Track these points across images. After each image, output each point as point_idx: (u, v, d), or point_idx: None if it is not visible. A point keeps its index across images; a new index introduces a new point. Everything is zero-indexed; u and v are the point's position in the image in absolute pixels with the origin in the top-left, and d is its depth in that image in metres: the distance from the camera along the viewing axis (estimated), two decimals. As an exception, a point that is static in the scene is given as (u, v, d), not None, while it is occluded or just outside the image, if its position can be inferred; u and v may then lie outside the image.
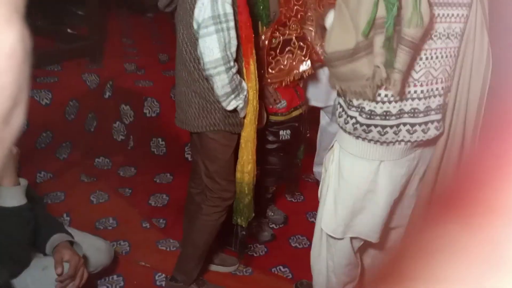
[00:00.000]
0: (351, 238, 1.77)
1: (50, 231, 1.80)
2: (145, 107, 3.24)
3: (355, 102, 1.52)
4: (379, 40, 1.33)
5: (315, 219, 1.94)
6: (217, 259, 2.43)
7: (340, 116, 1.61)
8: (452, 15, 1.46)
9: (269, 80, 2.19)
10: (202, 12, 1.71)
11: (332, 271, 1.87)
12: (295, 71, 2.21)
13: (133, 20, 4.61)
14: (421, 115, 1.52)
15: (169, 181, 3.16)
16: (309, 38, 2.25)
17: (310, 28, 2.26)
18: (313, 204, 2.01)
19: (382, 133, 1.51)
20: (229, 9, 1.71)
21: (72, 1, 3.94)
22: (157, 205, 2.92)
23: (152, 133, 3.26)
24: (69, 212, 2.70)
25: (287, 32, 2.16)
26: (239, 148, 2.00)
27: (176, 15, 1.90)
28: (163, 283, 2.28)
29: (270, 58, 2.17)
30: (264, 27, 2.15)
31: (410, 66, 1.43)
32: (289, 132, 2.32)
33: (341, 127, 1.61)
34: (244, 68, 1.87)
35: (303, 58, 2.19)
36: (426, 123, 1.53)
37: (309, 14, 2.22)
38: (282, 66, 2.20)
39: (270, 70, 2.19)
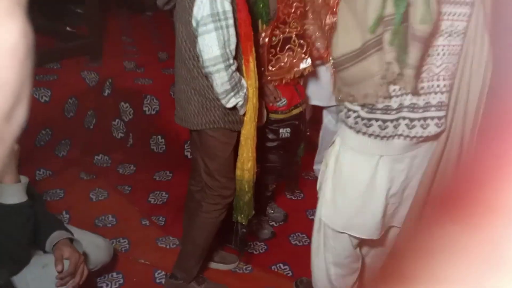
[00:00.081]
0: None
1: (50, 228, 1.80)
2: (144, 105, 3.23)
3: None
4: (388, 37, 1.34)
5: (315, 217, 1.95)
6: (217, 256, 2.43)
7: (341, 110, 1.62)
8: (455, 13, 1.46)
9: (269, 78, 2.19)
10: (201, 10, 1.70)
11: (331, 263, 1.87)
12: (295, 69, 2.20)
13: (133, 19, 4.60)
14: (420, 110, 1.53)
15: (168, 179, 3.16)
16: (309, 34, 2.25)
17: (311, 22, 2.26)
18: (313, 201, 2.02)
19: (383, 127, 1.53)
20: (228, 7, 1.71)
21: (72, 0, 3.94)
22: (156, 202, 2.92)
23: (151, 131, 3.26)
24: (68, 209, 2.71)
25: (287, 30, 2.16)
26: (239, 146, 2.00)
27: (175, 13, 1.89)
28: (163, 281, 2.29)
29: (270, 55, 2.17)
30: (264, 25, 2.14)
31: None
32: (289, 130, 2.32)
33: (343, 121, 1.63)
34: (243, 66, 1.87)
35: (303, 56, 2.19)
36: (425, 119, 1.54)
37: (307, 8, 2.22)
38: (282, 64, 2.19)
39: (270, 68, 2.18)
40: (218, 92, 1.79)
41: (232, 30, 1.74)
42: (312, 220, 2.02)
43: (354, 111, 1.55)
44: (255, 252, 2.58)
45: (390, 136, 1.55)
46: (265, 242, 2.65)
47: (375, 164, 1.61)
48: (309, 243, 1.99)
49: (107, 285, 2.26)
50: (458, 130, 1.60)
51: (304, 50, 2.19)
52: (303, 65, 2.20)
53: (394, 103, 1.50)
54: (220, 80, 1.75)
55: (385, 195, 1.65)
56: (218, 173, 1.99)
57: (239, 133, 1.97)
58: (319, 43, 2.27)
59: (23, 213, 1.67)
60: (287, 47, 2.17)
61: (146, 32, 4.34)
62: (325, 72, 2.46)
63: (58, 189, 2.87)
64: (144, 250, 2.49)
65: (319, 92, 2.52)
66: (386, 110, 1.51)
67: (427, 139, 1.60)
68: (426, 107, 1.53)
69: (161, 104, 3.23)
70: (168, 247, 2.54)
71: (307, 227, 2.51)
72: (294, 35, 2.17)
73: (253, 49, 1.88)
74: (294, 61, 2.19)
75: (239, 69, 1.83)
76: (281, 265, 2.51)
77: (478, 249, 0.40)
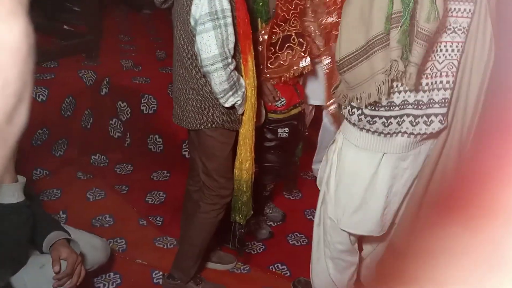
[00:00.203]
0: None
1: (47, 228, 1.79)
2: (142, 104, 3.22)
3: None
4: (395, 35, 1.35)
5: (313, 217, 1.96)
6: (215, 256, 2.42)
7: (345, 107, 1.62)
8: (460, 9, 1.46)
9: (268, 76, 2.19)
10: (199, 8, 1.69)
11: (329, 257, 1.89)
12: (294, 67, 2.19)
13: (130, 17, 4.59)
14: (424, 107, 1.53)
15: (166, 179, 3.15)
16: (309, 31, 2.25)
17: (310, 20, 2.26)
18: (311, 201, 2.02)
19: (386, 124, 1.53)
20: (226, 5, 1.70)
21: (69, -2, 3.92)
22: (154, 202, 2.91)
23: (149, 130, 3.25)
24: (65, 209, 2.69)
25: (287, 28, 2.15)
26: (237, 146, 1.99)
27: (173, 12, 1.88)
28: (160, 281, 2.28)
29: (270, 53, 2.16)
30: (264, 24, 2.14)
31: None
32: (288, 130, 2.31)
33: (346, 118, 1.63)
34: (242, 65, 1.86)
35: (302, 54, 2.19)
36: (428, 115, 1.54)
37: (307, 6, 2.22)
38: (281, 62, 2.19)
39: (269, 65, 2.18)
40: (217, 92, 1.78)
41: (230, 29, 1.73)
42: (310, 220, 2.03)
43: (358, 109, 1.56)
44: (253, 252, 2.58)
45: (393, 133, 1.56)
46: (263, 242, 2.64)
47: (378, 161, 1.62)
48: (307, 243, 1.99)
49: (104, 285, 2.25)
50: (458, 126, 1.61)
51: (303, 49, 2.18)
52: (302, 64, 2.20)
53: (397, 99, 1.51)
54: (219, 79, 1.74)
55: (386, 193, 1.66)
56: (216, 173, 1.99)
57: (237, 132, 1.97)
58: (318, 41, 2.27)
59: (21, 212, 1.66)
60: (286, 45, 2.17)
61: (144, 30, 4.33)
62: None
63: (55, 189, 2.86)
64: (142, 250, 2.49)
65: (318, 92, 2.51)
66: (390, 107, 1.51)
67: (430, 136, 1.60)
68: (430, 103, 1.54)
69: (158, 104, 3.22)
70: (165, 247, 2.53)
71: (305, 227, 2.52)
72: (294, 34, 2.16)
73: (252, 48, 1.87)
74: (294, 59, 2.19)
75: (237, 68, 1.82)
76: (279, 265, 2.51)
77: (479, 250, 0.39)
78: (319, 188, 1.88)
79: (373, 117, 1.54)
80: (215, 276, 2.36)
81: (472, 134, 1.62)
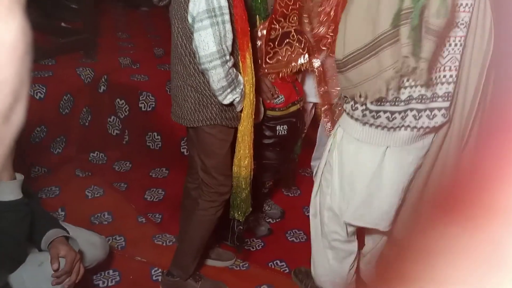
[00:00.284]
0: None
1: (45, 226, 1.79)
2: (140, 102, 3.22)
3: None
4: (405, 31, 1.34)
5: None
6: (214, 253, 2.43)
7: (347, 102, 1.62)
8: (461, 4, 1.47)
9: (266, 71, 2.18)
10: (196, 5, 1.69)
11: (328, 247, 1.90)
12: (293, 64, 2.19)
13: (128, 14, 4.58)
14: (428, 101, 1.54)
15: (164, 176, 3.15)
16: (305, 28, 2.24)
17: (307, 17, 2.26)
18: (310, 198, 2.02)
19: (391, 118, 1.54)
20: (224, 2, 1.69)
21: (66, -5, 3.91)
22: (152, 199, 2.91)
23: (147, 128, 3.24)
24: (64, 207, 2.69)
25: (286, 25, 2.15)
26: (236, 143, 1.99)
27: (170, 9, 1.88)
28: (160, 278, 2.28)
29: (269, 48, 2.16)
30: (262, 21, 2.13)
31: None
32: (286, 127, 2.31)
33: (348, 113, 1.63)
34: (240, 62, 1.86)
35: (301, 51, 2.18)
36: (431, 109, 1.55)
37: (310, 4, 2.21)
38: (280, 58, 2.19)
39: (268, 60, 2.17)
40: (215, 89, 1.78)
41: (228, 26, 1.72)
42: (309, 216, 2.04)
43: (362, 104, 1.56)
44: (252, 249, 2.58)
45: (397, 127, 1.56)
46: (262, 239, 2.65)
47: (382, 155, 1.62)
48: (306, 240, 2.00)
49: (103, 282, 2.25)
50: (457, 119, 1.62)
51: (302, 46, 2.18)
52: (301, 60, 2.19)
53: (403, 95, 1.51)
54: (217, 76, 1.74)
55: (391, 185, 1.67)
56: (215, 171, 1.98)
57: (236, 130, 1.97)
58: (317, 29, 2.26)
59: (19, 210, 1.66)
60: (285, 41, 2.17)
61: (141, 28, 4.32)
62: None
63: (53, 187, 2.86)
64: (141, 248, 2.49)
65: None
66: (395, 101, 1.52)
67: (432, 130, 1.61)
68: (433, 97, 1.54)
69: (157, 101, 3.21)
70: (164, 244, 2.54)
71: (304, 224, 2.52)
72: (293, 30, 2.16)
73: (250, 45, 1.87)
74: (293, 56, 2.18)
75: (235, 65, 1.82)
76: (278, 261, 2.51)
77: (479, 250, 0.39)
78: (315, 180, 1.89)
79: (377, 111, 1.54)
80: (214, 273, 2.36)
81: (468, 127, 1.63)
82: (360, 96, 1.51)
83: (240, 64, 1.86)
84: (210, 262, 2.41)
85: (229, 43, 1.74)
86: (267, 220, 2.77)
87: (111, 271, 2.31)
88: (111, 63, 3.43)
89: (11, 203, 1.63)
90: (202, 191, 2.05)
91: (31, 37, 0.36)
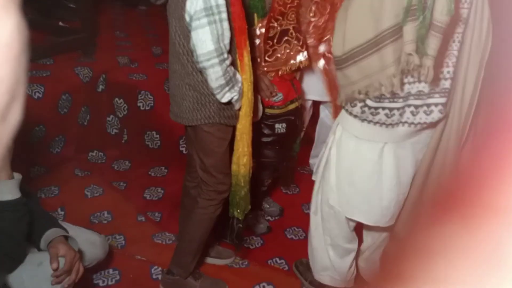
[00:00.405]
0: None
1: (45, 225, 1.79)
2: (138, 101, 3.21)
3: None
4: (410, 28, 1.34)
5: (311, 211, 1.97)
6: (213, 251, 2.43)
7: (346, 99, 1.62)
8: (460, 1, 1.47)
9: (265, 69, 2.18)
10: (194, 4, 1.69)
11: (329, 244, 1.90)
12: (291, 61, 2.19)
13: (126, 13, 4.57)
14: (425, 97, 1.55)
15: (163, 175, 3.15)
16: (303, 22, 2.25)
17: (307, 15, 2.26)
18: (309, 196, 2.03)
19: (389, 115, 1.54)
20: (221, 1, 1.69)
21: (64, -6, 3.90)
22: (152, 198, 2.91)
23: (146, 127, 3.24)
24: (63, 206, 2.69)
25: (285, 22, 2.15)
26: (234, 141, 1.99)
27: (168, 8, 1.87)
28: (159, 277, 2.28)
29: (268, 46, 2.15)
30: (260, 19, 2.13)
31: None
32: (285, 125, 2.31)
33: (346, 110, 1.63)
34: (238, 60, 1.86)
35: (299, 48, 2.18)
36: (429, 105, 1.55)
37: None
38: (279, 55, 2.19)
39: (267, 58, 2.17)
40: (213, 87, 1.78)
41: (225, 24, 1.72)
42: (308, 214, 2.04)
43: (361, 101, 1.56)
44: (251, 247, 2.58)
45: (395, 124, 1.57)
46: (261, 236, 2.65)
47: (380, 151, 1.63)
48: (305, 237, 2.00)
49: (103, 281, 2.25)
50: (455, 115, 1.62)
51: (300, 43, 2.18)
52: (299, 58, 2.20)
53: (402, 91, 1.51)
54: (215, 75, 1.74)
55: (390, 181, 1.67)
56: (214, 169, 1.98)
57: (234, 128, 1.97)
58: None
59: (18, 210, 1.66)
60: (284, 39, 2.16)
61: (139, 26, 4.31)
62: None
63: (52, 186, 2.86)
64: (140, 246, 2.49)
65: (315, 87, 2.51)
66: (394, 98, 1.52)
67: (430, 125, 1.61)
68: (430, 93, 1.55)
69: (155, 100, 3.21)
70: (164, 243, 2.54)
71: (303, 221, 2.52)
72: (291, 28, 2.16)
73: (248, 43, 1.86)
74: (291, 53, 2.18)
75: (233, 64, 1.82)
76: (277, 259, 2.51)
77: (479, 249, 0.39)
78: (316, 176, 1.89)
79: (376, 108, 1.54)
80: (213, 271, 2.36)
81: (469, 123, 1.63)
82: (359, 93, 1.51)
83: (238, 62, 1.86)
84: (209, 260, 2.41)
85: (227, 41, 1.74)
86: (266, 218, 2.78)
87: (111, 270, 2.31)
88: (109, 62, 3.42)
89: (9, 202, 1.63)
90: (201, 189, 2.06)
91: (27, 36, 0.36)
